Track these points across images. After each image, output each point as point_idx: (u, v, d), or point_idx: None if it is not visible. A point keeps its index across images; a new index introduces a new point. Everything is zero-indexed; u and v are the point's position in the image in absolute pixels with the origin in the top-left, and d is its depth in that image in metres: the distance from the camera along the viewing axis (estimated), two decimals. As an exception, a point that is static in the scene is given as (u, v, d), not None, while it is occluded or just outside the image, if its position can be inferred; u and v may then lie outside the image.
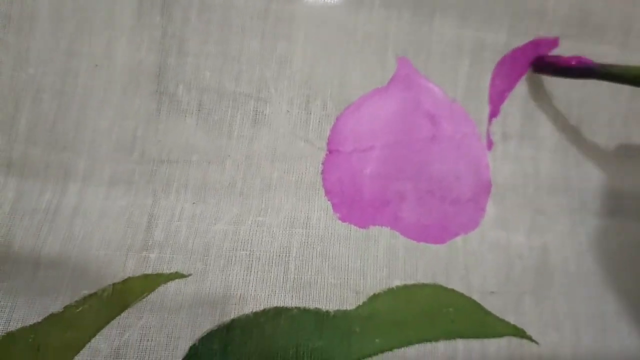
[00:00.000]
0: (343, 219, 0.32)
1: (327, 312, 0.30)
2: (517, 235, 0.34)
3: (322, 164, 0.33)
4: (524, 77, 0.36)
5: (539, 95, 0.37)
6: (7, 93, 0.30)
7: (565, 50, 0.36)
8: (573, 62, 0.34)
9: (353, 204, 0.33)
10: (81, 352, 0.27)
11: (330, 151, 0.33)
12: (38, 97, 0.31)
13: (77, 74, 0.31)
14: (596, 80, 0.34)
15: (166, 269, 0.30)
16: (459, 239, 0.33)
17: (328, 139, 0.33)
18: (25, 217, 0.29)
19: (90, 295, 0.28)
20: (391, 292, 0.31)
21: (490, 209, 0.35)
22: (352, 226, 0.32)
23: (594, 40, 0.36)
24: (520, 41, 0.36)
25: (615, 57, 0.36)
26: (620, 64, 0.33)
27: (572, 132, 0.37)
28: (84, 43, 0.31)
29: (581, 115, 0.37)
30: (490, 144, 0.35)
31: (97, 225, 0.30)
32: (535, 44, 0.36)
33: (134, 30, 0.32)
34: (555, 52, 0.36)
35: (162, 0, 0.32)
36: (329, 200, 0.33)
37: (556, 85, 0.37)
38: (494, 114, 0.36)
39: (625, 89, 0.37)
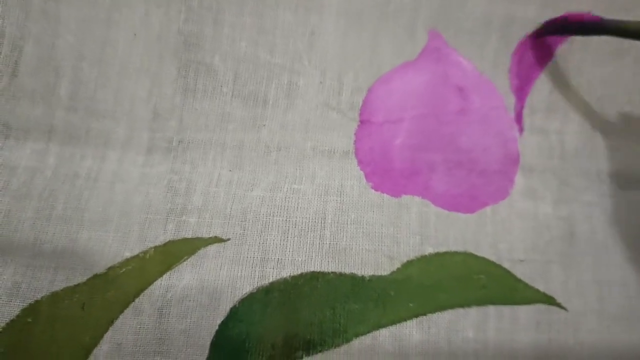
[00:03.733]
0: (376, 188, 0.33)
1: (363, 277, 0.31)
2: (544, 205, 0.35)
3: (355, 134, 0.34)
4: (555, 51, 0.37)
5: (566, 69, 0.37)
6: (47, 60, 0.31)
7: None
8: (584, 18, 0.34)
9: (384, 174, 0.33)
10: (125, 311, 0.28)
11: (362, 122, 0.34)
12: (78, 65, 0.31)
13: (116, 43, 0.32)
14: (620, 57, 0.35)
15: (205, 233, 0.30)
16: (488, 209, 0.34)
17: (360, 110, 0.34)
18: (66, 182, 0.30)
19: (133, 257, 0.29)
20: (424, 259, 0.32)
21: (519, 180, 0.35)
22: (385, 195, 0.33)
23: (626, 12, 0.36)
24: (550, 16, 0.36)
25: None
26: (632, 20, 0.33)
27: (598, 105, 0.37)
28: (122, 13, 0.32)
29: (607, 90, 0.38)
30: (520, 127, 0.36)
31: (137, 190, 0.30)
32: (564, 19, 0.36)
33: (170, 0, 0.32)
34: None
35: (199, -29, 0.32)
36: (361, 169, 0.33)
37: (582, 61, 0.37)
38: (523, 89, 0.36)
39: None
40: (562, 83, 0.37)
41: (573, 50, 0.37)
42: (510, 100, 0.36)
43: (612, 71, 0.37)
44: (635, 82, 0.38)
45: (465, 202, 0.34)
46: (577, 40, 0.37)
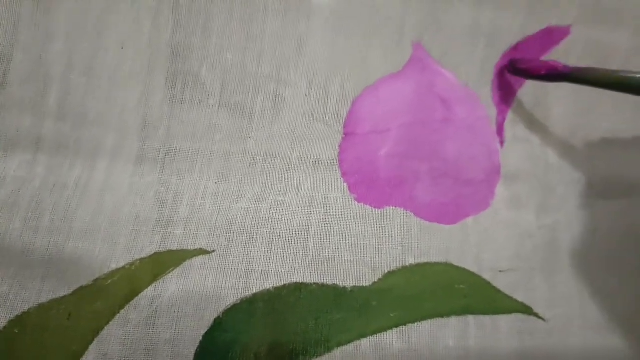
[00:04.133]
0: (359, 200, 0.34)
1: (345, 287, 0.31)
2: (527, 214, 0.36)
3: (339, 145, 0.34)
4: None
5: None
6: (36, 71, 0.31)
7: (577, 38, 0.37)
8: (543, 72, 0.35)
9: (369, 184, 0.34)
10: (111, 321, 0.28)
11: (346, 134, 0.34)
12: (67, 74, 0.31)
13: (105, 53, 0.32)
14: (605, 66, 0.36)
15: (191, 245, 0.31)
16: (470, 220, 0.35)
17: (345, 122, 0.35)
18: (55, 192, 0.31)
19: (119, 269, 0.29)
20: (405, 270, 0.32)
21: (501, 190, 0.36)
22: (368, 206, 0.34)
23: (608, 26, 0.37)
24: (535, 27, 0.36)
25: (628, 42, 0.37)
26: (594, 68, 0.33)
27: (580, 116, 0.38)
28: (111, 22, 0.32)
29: (590, 99, 0.38)
30: (501, 139, 0.36)
31: (125, 201, 0.31)
32: (548, 32, 0.37)
33: (159, 10, 0.33)
34: (566, 40, 0.37)
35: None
36: (345, 181, 0.34)
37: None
38: (506, 101, 0.37)
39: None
40: (543, 95, 0.37)
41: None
42: (493, 112, 0.36)
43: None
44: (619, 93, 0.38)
45: (448, 212, 0.35)
46: (559, 51, 0.37)
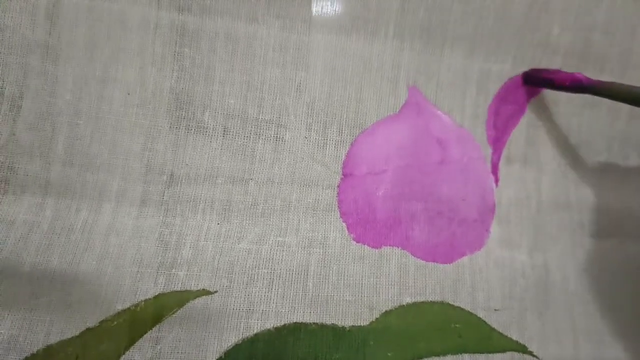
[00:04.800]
0: (357, 240, 0.35)
1: (343, 327, 0.32)
2: (520, 254, 0.37)
3: (338, 187, 0.35)
4: (529, 104, 0.38)
5: (541, 120, 0.39)
6: (44, 117, 0.32)
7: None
8: (567, 83, 0.36)
9: (367, 224, 0.35)
10: (117, 363, 0.29)
11: (345, 175, 0.35)
12: (74, 121, 0.33)
13: (111, 100, 0.33)
14: (594, 106, 0.37)
15: (194, 286, 0.32)
16: (465, 259, 0.36)
17: (343, 163, 0.36)
18: (62, 235, 0.31)
19: (124, 310, 0.30)
20: (402, 309, 0.33)
21: (495, 229, 0.37)
22: (366, 246, 0.35)
23: (594, 71, 0.38)
24: (524, 69, 0.38)
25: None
26: (614, 82, 0.35)
27: (571, 156, 0.39)
28: (117, 71, 0.33)
29: (580, 139, 0.40)
30: (496, 178, 0.38)
31: (130, 243, 0.32)
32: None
33: (164, 59, 0.34)
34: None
35: (191, 32, 0.34)
36: (344, 221, 0.35)
37: (557, 110, 0.39)
38: (500, 140, 0.38)
39: (623, 113, 0.39)
40: (536, 135, 0.38)
41: (546, 103, 0.38)
42: (488, 151, 0.38)
43: (587, 121, 0.39)
44: (611, 132, 0.40)
45: (443, 251, 0.35)
46: (548, 92, 0.38)
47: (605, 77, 0.38)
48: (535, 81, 0.38)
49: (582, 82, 0.35)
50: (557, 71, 0.38)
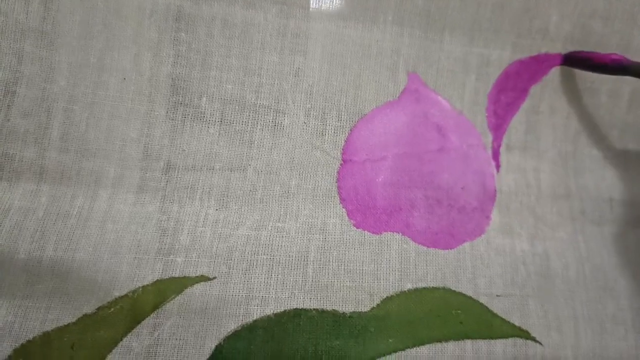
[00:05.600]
0: (357, 226, 0.34)
1: (344, 313, 0.32)
2: (521, 242, 0.36)
3: (337, 172, 0.35)
4: (529, 91, 0.38)
5: (541, 108, 0.39)
6: (39, 103, 0.32)
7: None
8: (608, 60, 0.36)
9: (367, 211, 0.35)
10: (114, 350, 0.29)
11: (344, 161, 0.35)
12: (69, 107, 0.32)
13: (107, 86, 0.33)
14: (594, 94, 0.37)
15: (192, 272, 0.31)
16: (466, 245, 0.35)
17: (343, 149, 0.35)
18: (58, 222, 0.31)
19: (122, 297, 0.30)
20: (403, 295, 0.33)
21: (495, 216, 0.36)
22: (366, 232, 0.34)
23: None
24: (524, 56, 0.38)
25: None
26: None
27: (571, 144, 0.39)
28: (112, 57, 0.33)
29: (580, 127, 0.39)
30: (497, 164, 0.37)
31: (127, 230, 0.31)
32: (537, 59, 0.38)
33: (160, 45, 0.33)
34: (556, 69, 0.38)
35: (187, 17, 0.34)
36: (343, 207, 0.34)
37: (557, 97, 0.39)
38: (500, 127, 0.38)
39: (623, 101, 0.39)
40: (536, 122, 0.38)
41: (546, 90, 0.38)
42: (488, 138, 0.37)
43: (587, 108, 0.39)
44: (611, 119, 0.39)
45: (444, 238, 0.35)
46: (549, 79, 0.38)
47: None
48: (576, 62, 0.38)
49: (622, 63, 0.35)
50: (597, 53, 0.37)
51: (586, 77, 0.38)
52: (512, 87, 0.38)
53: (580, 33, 0.38)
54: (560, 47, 0.38)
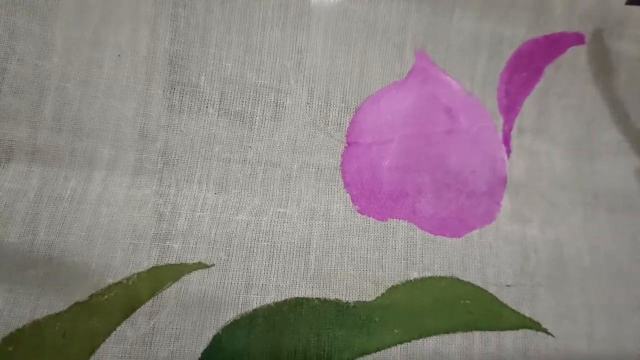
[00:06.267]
0: (362, 212, 0.33)
1: (347, 302, 0.31)
2: (532, 228, 0.35)
3: (341, 155, 0.33)
4: (544, 71, 0.36)
5: (555, 90, 0.37)
6: (31, 81, 0.30)
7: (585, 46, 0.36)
8: None
9: (372, 196, 0.33)
10: (108, 338, 0.28)
11: (349, 143, 0.34)
12: (62, 85, 0.31)
13: (101, 64, 0.31)
14: (611, 76, 0.35)
15: (190, 259, 0.30)
16: (475, 233, 0.34)
17: (347, 131, 0.34)
18: (50, 205, 0.30)
19: (116, 284, 0.29)
20: (409, 284, 0.32)
21: (506, 202, 0.35)
22: (371, 218, 0.33)
23: (614, 35, 0.36)
24: (538, 34, 0.36)
25: (632, 53, 0.36)
26: None
27: (585, 127, 0.37)
28: (108, 33, 0.31)
29: (594, 111, 0.38)
30: (508, 148, 0.36)
31: (122, 214, 0.30)
32: (553, 38, 0.36)
33: (157, 21, 0.32)
34: (572, 48, 0.36)
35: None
36: (348, 192, 0.33)
37: (573, 77, 0.37)
38: (512, 109, 0.36)
39: (637, 86, 0.37)
40: (550, 104, 0.36)
41: (561, 71, 0.36)
42: (499, 120, 0.36)
43: (602, 91, 0.37)
44: (625, 103, 0.38)
45: (452, 225, 0.34)
46: (564, 59, 0.36)
47: (625, 42, 0.36)
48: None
49: None
50: None
51: (606, 56, 0.36)
52: (525, 67, 0.36)
53: (599, 9, 0.36)
54: (578, 26, 0.36)
